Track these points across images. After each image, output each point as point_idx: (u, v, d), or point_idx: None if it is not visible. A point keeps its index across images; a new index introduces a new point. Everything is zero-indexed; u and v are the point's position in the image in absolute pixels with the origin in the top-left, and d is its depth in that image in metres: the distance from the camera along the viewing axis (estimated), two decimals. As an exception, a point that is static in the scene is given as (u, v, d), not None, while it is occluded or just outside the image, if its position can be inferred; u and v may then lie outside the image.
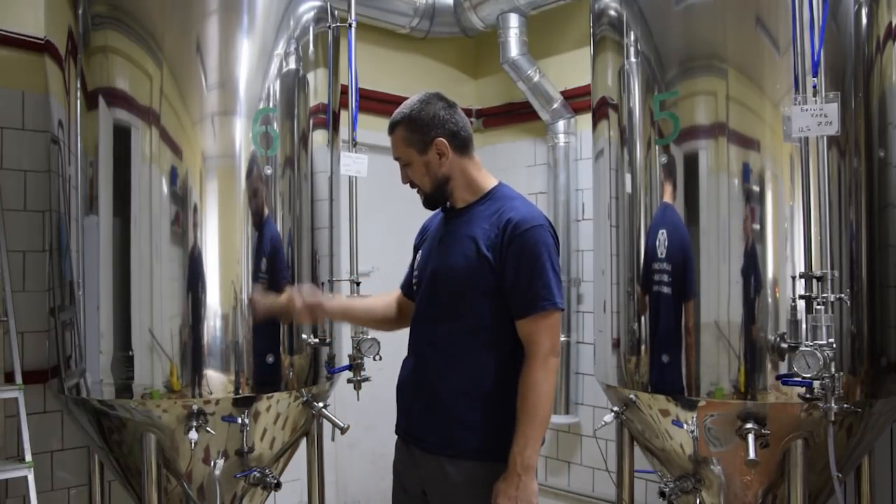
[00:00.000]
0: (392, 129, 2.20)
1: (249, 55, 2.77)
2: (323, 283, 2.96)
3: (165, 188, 2.64)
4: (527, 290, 2.05)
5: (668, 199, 2.72)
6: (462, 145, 2.19)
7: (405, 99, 2.23)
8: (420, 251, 2.33)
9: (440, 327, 2.17)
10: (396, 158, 2.23)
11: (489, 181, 2.23)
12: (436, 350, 2.17)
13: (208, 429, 2.61)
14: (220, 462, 2.70)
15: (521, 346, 2.09)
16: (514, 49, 4.21)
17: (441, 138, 2.15)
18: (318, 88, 2.97)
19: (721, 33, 2.65)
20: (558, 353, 2.11)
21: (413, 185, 2.24)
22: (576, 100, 4.19)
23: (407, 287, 2.41)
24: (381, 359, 2.94)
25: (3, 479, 2.77)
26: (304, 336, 2.85)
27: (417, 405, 2.20)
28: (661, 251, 2.71)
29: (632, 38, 2.86)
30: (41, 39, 3.00)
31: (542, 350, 2.05)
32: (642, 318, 2.78)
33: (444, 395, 2.14)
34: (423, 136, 2.16)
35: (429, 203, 2.26)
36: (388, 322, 2.49)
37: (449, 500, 2.13)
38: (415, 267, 2.33)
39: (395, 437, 2.34)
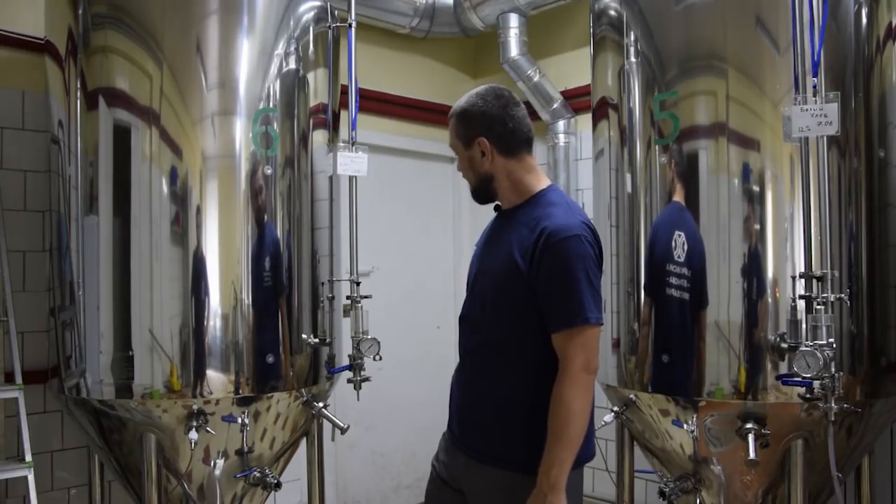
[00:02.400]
0: (449, 118, 2.21)
1: (249, 55, 2.77)
2: (323, 283, 2.96)
3: (165, 188, 2.64)
4: (559, 304, 1.98)
5: (665, 199, 2.72)
6: (509, 148, 2.14)
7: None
8: (476, 248, 2.32)
9: (476, 332, 2.17)
10: (451, 147, 2.25)
11: (538, 184, 2.16)
12: (471, 355, 2.18)
13: (208, 429, 2.61)
14: (220, 462, 2.70)
15: (555, 359, 2.01)
16: (514, 49, 4.21)
17: (483, 138, 2.12)
18: (318, 88, 2.97)
19: (721, 33, 2.65)
20: (594, 369, 1.99)
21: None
22: (576, 100, 4.19)
23: None
24: (381, 359, 2.94)
25: (3, 479, 2.77)
26: (304, 336, 2.85)
27: (458, 406, 2.21)
28: (661, 251, 2.71)
29: (632, 38, 2.86)
30: (41, 39, 3.00)
31: (574, 366, 1.95)
32: (642, 318, 2.78)
33: (476, 399, 2.14)
34: (469, 131, 2.15)
35: (475, 196, 2.25)
36: None
37: (478, 502, 2.13)
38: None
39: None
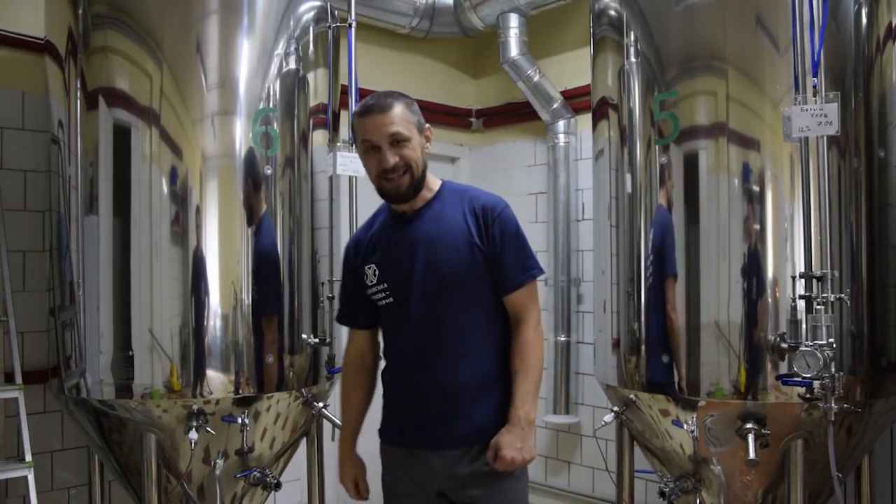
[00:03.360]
0: (388, 106, 2.14)
1: (249, 55, 2.77)
2: (323, 283, 2.96)
3: (165, 188, 2.64)
4: (516, 263, 2.19)
5: (665, 199, 2.72)
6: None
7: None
8: (374, 265, 2.27)
9: (442, 326, 2.19)
10: (394, 134, 2.14)
11: (436, 180, 2.31)
12: (443, 349, 2.19)
13: (208, 429, 2.61)
14: (220, 462, 2.70)
15: (506, 325, 2.22)
16: (514, 49, 4.21)
17: (428, 125, 2.25)
18: (318, 88, 2.97)
19: (721, 33, 2.65)
20: (541, 317, 2.28)
21: (395, 170, 2.15)
22: (576, 100, 4.19)
23: (362, 316, 2.37)
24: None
25: (3, 479, 2.77)
26: (304, 336, 2.85)
27: (436, 409, 2.21)
28: (662, 251, 2.71)
29: (632, 38, 2.86)
30: (41, 39, 3.00)
31: (534, 316, 2.21)
32: (642, 318, 2.78)
33: (463, 389, 2.18)
34: (418, 118, 2.23)
35: (410, 191, 2.19)
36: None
37: (488, 487, 2.17)
38: (375, 282, 2.27)
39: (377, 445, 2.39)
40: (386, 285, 2.26)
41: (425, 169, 2.23)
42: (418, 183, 2.21)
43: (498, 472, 2.14)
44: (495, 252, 2.18)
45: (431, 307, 2.20)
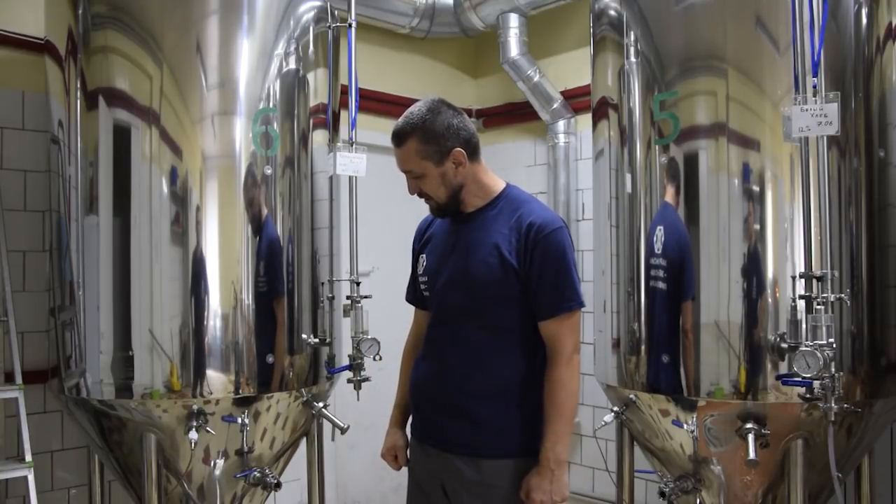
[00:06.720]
0: (401, 140, 2.14)
1: (249, 55, 2.77)
2: (323, 283, 2.96)
3: (165, 188, 2.64)
4: (553, 291, 2.10)
5: (667, 198, 2.72)
6: (474, 151, 2.20)
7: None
8: (425, 255, 2.33)
9: (462, 331, 2.18)
10: (407, 171, 2.18)
11: (498, 184, 2.25)
12: (458, 353, 2.19)
13: (208, 429, 2.61)
14: (220, 462, 2.71)
15: (540, 346, 2.14)
16: (514, 49, 4.21)
17: (459, 148, 2.14)
18: (318, 88, 2.97)
19: (721, 33, 2.65)
20: (579, 349, 2.16)
21: (422, 196, 2.22)
22: (576, 100, 4.19)
23: (420, 298, 2.40)
24: (381, 359, 2.94)
25: (3, 479, 2.77)
26: (304, 336, 2.85)
27: (439, 407, 2.21)
28: (661, 251, 2.71)
29: (632, 38, 2.86)
30: (41, 39, 3.00)
31: (567, 349, 2.11)
32: (642, 318, 2.78)
33: (470, 397, 2.16)
34: (440, 146, 2.13)
35: (442, 212, 2.25)
36: None
37: (482, 499, 2.15)
38: (421, 272, 2.33)
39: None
40: (426, 277, 2.29)
41: (457, 190, 2.18)
42: (447, 206, 2.21)
43: (506, 491, 2.13)
44: (532, 276, 2.10)
45: (452, 311, 2.20)
